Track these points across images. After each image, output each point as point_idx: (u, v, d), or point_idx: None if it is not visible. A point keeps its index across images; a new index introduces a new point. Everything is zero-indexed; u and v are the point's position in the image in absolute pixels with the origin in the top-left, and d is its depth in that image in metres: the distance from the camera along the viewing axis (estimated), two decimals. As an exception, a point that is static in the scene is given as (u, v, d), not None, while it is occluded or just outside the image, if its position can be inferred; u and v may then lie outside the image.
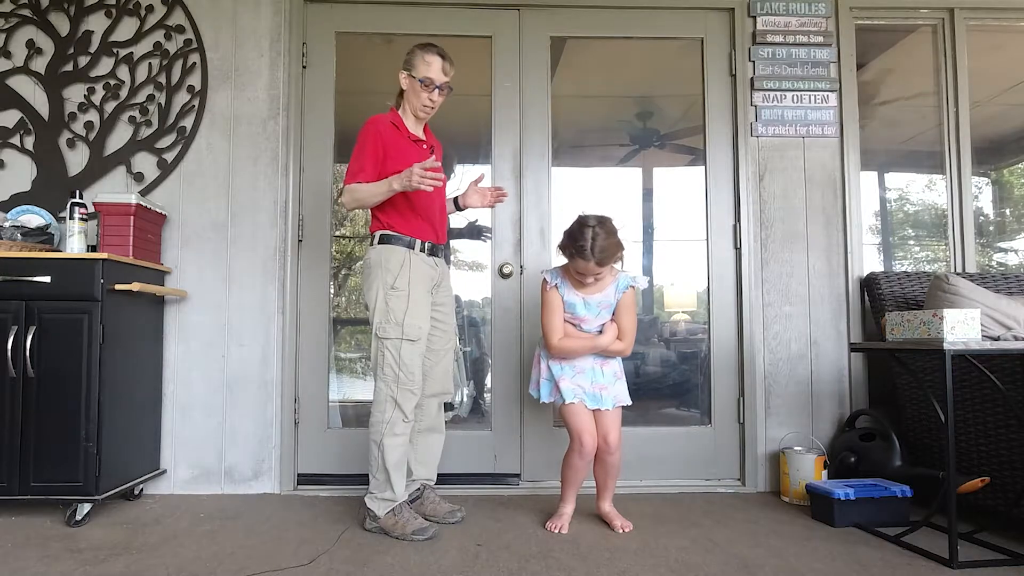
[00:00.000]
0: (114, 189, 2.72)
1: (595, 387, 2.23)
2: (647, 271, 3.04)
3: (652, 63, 3.09)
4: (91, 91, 2.78)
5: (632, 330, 2.24)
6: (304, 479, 2.78)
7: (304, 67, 2.88)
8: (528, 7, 2.93)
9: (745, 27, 2.96)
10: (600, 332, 2.24)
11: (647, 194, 3.08)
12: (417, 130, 2.30)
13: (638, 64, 3.08)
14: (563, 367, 2.25)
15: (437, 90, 2.22)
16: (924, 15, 3.06)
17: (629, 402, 2.28)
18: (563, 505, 2.27)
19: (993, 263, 3.23)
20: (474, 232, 2.94)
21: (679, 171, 3.11)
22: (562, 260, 2.22)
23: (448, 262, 2.50)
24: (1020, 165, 3.37)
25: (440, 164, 2.21)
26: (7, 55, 2.77)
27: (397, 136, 2.22)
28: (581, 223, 2.09)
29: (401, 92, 2.29)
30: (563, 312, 2.23)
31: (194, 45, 2.81)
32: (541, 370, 2.29)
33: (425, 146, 2.29)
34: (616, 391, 2.26)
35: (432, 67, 2.20)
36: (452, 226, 2.77)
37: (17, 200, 2.68)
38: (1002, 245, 3.27)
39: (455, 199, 2.46)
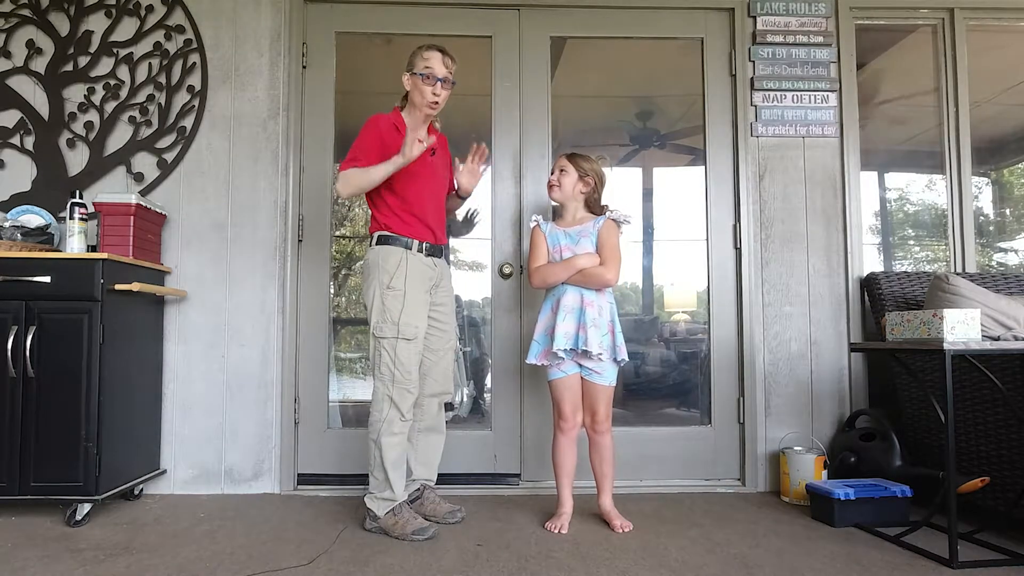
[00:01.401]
0: (114, 189, 2.72)
1: (579, 328, 2.22)
2: (647, 271, 3.04)
3: (652, 63, 3.09)
4: (91, 91, 2.78)
5: (614, 259, 2.25)
6: (304, 479, 2.78)
7: (304, 67, 2.88)
8: (528, 7, 2.93)
9: (745, 27, 2.96)
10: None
11: (647, 194, 3.08)
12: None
13: (638, 64, 3.08)
14: (556, 313, 2.24)
15: (439, 83, 2.21)
16: (924, 15, 3.06)
17: (618, 357, 2.25)
18: (561, 504, 2.27)
19: (993, 263, 3.23)
20: (467, 219, 2.92)
21: (679, 171, 3.11)
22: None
23: (448, 262, 2.50)
24: (1020, 165, 3.36)
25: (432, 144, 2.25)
26: (7, 55, 2.77)
27: (396, 137, 2.22)
28: None
29: (406, 96, 2.30)
30: (546, 248, 2.34)
31: (194, 45, 2.81)
32: (536, 331, 2.33)
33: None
34: (600, 339, 2.21)
35: (431, 61, 2.22)
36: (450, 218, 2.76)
37: (17, 200, 2.69)
38: (1002, 245, 3.27)
39: (456, 191, 2.46)
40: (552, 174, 2.39)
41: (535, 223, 2.41)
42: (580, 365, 2.27)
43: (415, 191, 2.23)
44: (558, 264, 2.30)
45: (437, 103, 2.24)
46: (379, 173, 2.14)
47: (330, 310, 2.86)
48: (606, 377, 2.26)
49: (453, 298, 2.42)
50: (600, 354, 2.20)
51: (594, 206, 2.38)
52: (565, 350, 2.21)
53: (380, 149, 2.18)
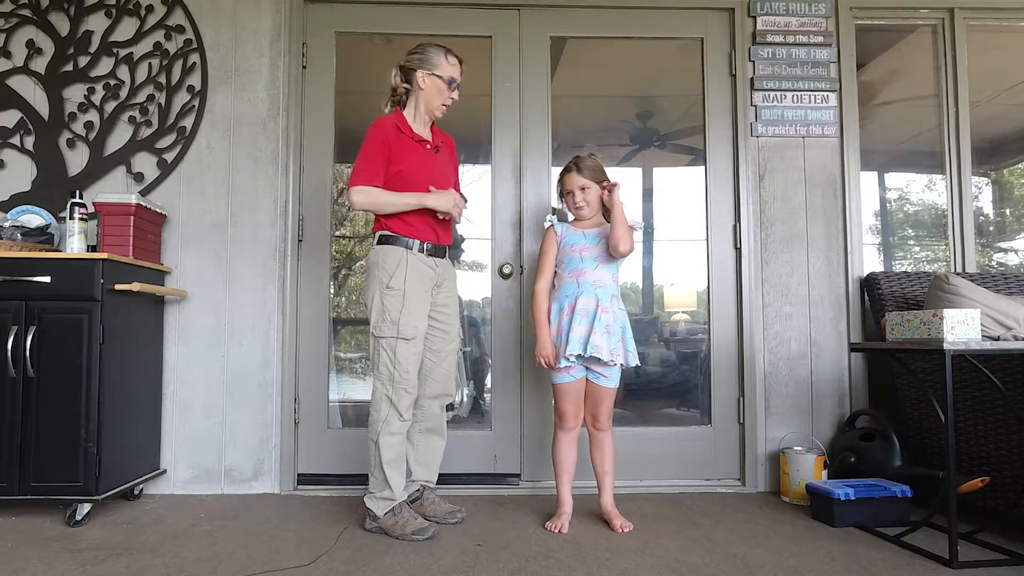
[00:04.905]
0: (114, 189, 2.72)
1: (591, 332, 2.20)
2: (647, 271, 3.04)
3: (652, 63, 3.09)
4: (91, 91, 2.78)
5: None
6: (304, 479, 2.78)
7: (304, 67, 2.88)
8: (528, 7, 2.93)
9: (745, 27, 2.96)
10: (600, 264, 2.28)
11: (647, 194, 3.08)
12: (422, 130, 2.31)
13: (638, 64, 3.08)
14: (571, 316, 2.22)
15: (456, 89, 2.31)
16: (924, 15, 3.06)
17: (630, 363, 2.26)
18: (561, 504, 2.27)
19: (993, 263, 3.23)
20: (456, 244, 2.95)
21: (679, 171, 3.11)
22: None
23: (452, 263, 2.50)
24: (1020, 165, 3.36)
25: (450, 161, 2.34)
26: (7, 55, 2.77)
27: (400, 137, 2.24)
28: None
29: (406, 91, 2.31)
30: (556, 253, 2.34)
31: (194, 45, 2.81)
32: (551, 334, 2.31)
33: (428, 146, 2.30)
34: (612, 345, 2.21)
35: (455, 69, 2.30)
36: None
37: (17, 200, 2.69)
38: (1002, 245, 3.27)
39: None
40: (571, 195, 2.32)
41: (549, 224, 2.39)
42: (587, 368, 2.27)
43: (415, 190, 2.22)
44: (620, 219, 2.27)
45: (448, 106, 2.32)
46: (401, 202, 2.19)
47: (330, 310, 2.86)
48: (612, 380, 2.27)
49: (457, 300, 2.40)
50: (612, 361, 2.20)
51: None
52: (577, 356, 2.20)
53: (386, 157, 2.20)
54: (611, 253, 2.27)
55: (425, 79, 2.25)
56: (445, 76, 2.25)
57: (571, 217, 2.41)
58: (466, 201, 2.35)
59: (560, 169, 2.40)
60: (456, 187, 2.45)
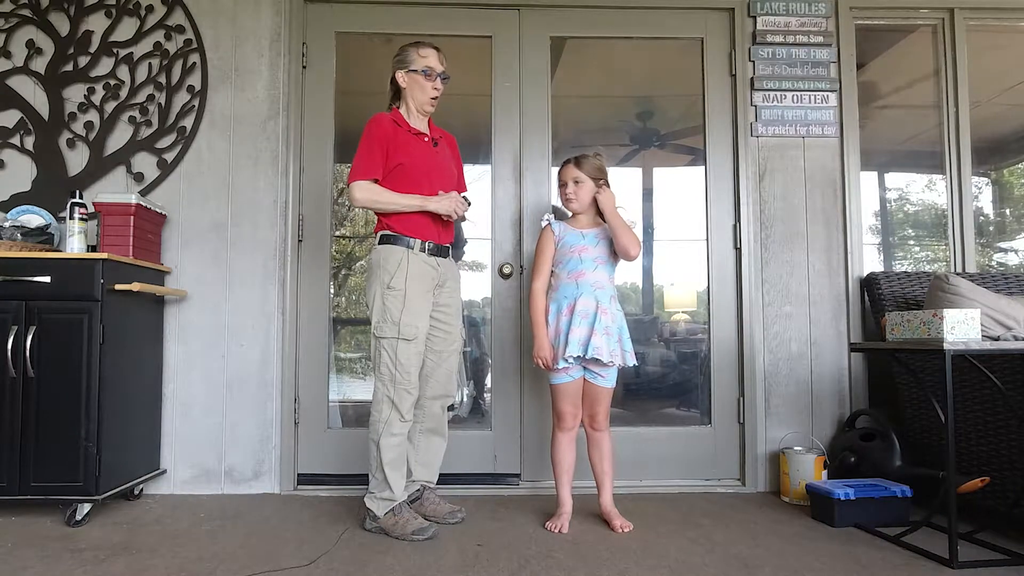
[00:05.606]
0: (114, 189, 2.72)
1: (591, 334, 2.19)
2: (647, 271, 3.04)
3: (652, 63, 3.09)
4: (91, 91, 2.78)
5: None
6: (304, 479, 2.78)
7: (304, 67, 2.88)
8: (528, 7, 2.93)
9: (745, 27, 2.96)
10: (599, 266, 2.28)
11: (647, 194, 3.08)
12: (419, 125, 2.31)
13: (638, 64, 3.08)
14: (571, 316, 2.21)
15: (439, 78, 2.28)
16: (924, 15, 3.06)
17: (627, 363, 2.25)
18: (561, 504, 2.27)
19: (993, 263, 3.23)
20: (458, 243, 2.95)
21: (679, 171, 3.11)
22: None
23: (456, 260, 2.50)
24: (1020, 165, 3.37)
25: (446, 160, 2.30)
26: (7, 55, 2.77)
27: (398, 131, 2.25)
28: None
29: (396, 94, 2.33)
30: (553, 252, 2.33)
31: (194, 45, 2.81)
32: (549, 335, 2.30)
33: (426, 139, 2.30)
34: (611, 346, 2.20)
35: (429, 58, 2.28)
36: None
37: (17, 200, 2.68)
38: (1002, 245, 3.27)
39: None
40: (564, 187, 2.31)
41: (546, 223, 2.38)
42: (585, 368, 2.27)
43: (413, 187, 2.22)
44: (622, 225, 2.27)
45: (437, 98, 2.30)
46: (404, 203, 2.19)
47: (330, 310, 2.86)
48: (610, 380, 2.27)
49: (459, 299, 2.40)
50: (611, 362, 2.20)
51: None
52: (576, 357, 2.20)
53: (384, 151, 2.20)
54: (622, 259, 2.30)
55: (404, 77, 2.28)
56: (419, 68, 2.25)
57: (570, 215, 2.41)
58: (469, 204, 2.34)
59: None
60: (461, 183, 2.45)
